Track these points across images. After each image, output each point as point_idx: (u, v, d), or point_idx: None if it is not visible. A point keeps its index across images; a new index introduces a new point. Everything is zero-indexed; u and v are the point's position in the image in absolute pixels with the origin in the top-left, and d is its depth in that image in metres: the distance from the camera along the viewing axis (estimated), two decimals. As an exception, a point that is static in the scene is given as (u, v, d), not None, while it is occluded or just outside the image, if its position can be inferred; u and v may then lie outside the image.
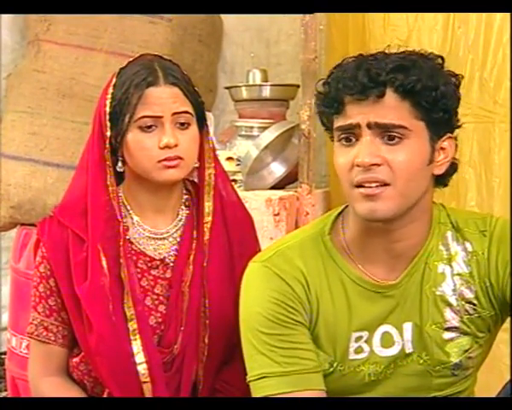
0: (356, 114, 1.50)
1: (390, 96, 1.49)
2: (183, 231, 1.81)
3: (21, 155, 2.76)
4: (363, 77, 1.48)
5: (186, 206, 1.84)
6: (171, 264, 1.80)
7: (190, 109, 1.76)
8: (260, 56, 3.28)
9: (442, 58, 1.56)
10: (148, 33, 2.83)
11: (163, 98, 1.73)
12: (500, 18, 2.35)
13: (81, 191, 1.79)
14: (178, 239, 1.81)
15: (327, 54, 2.75)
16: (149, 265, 1.79)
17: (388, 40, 2.40)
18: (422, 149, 1.52)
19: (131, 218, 1.80)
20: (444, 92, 1.51)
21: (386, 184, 1.48)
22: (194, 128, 1.77)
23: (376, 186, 1.48)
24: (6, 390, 2.88)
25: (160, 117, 1.72)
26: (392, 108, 1.49)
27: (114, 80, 1.76)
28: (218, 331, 1.79)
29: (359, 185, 1.49)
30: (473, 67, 2.38)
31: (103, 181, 1.76)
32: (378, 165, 1.48)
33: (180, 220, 1.82)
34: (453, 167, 1.59)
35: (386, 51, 1.55)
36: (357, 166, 1.49)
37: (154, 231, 1.80)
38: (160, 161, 1.72)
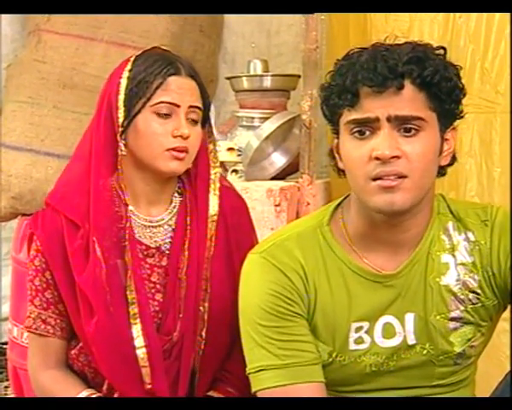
0: (374, 107, 1.48)
1: (408, 88, 1.48)
2: (177, 218, 1.82)
3: (22, 145, 2.75)
4: (383, 68, 1.47)
5: (179, 193, 1.84)
6: (167, 251, 1.80)
7: (201, 106, 1.78)
8: (261, 47, 3.27)
9: (444, 49, 1.56)
10: (149, 23, 2.82)
11: (183, 89, 1.74)
12: (501, 8, 2.34)
13: (79, 179, 1.79)
14: (173, 226, 1.81)
15: (328, 44, 2.74)
16: (145, 253, 1.79)
17: (390, 30, 2.40)
18: (435, 141, 1.52)
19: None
20: (456, 83, 1.52)
21: (403, 177, 1.48)
22: (199, 127, 1.79)
23: (394, 178, 1.48)
24: (7, 380, 2.89)
25: (178, 106, 1.73)
26: (409, 100, 1.48)
27: (130, 66, 1.76)
28: (217, 317, 1.79)
29: (376, 178, 1.48)
30: (474, 57, 2.37)
31: (109, 165, 1.76)
32: (398, 157, 1.47)
33: (174, 207, 1.83)
34: (454, 158, 1.60)
35: (393, 42, 1.54)
36: (377, 158, 1.47)
37: (149, 219, 1.80)
38: (168, 150, 1.73)
